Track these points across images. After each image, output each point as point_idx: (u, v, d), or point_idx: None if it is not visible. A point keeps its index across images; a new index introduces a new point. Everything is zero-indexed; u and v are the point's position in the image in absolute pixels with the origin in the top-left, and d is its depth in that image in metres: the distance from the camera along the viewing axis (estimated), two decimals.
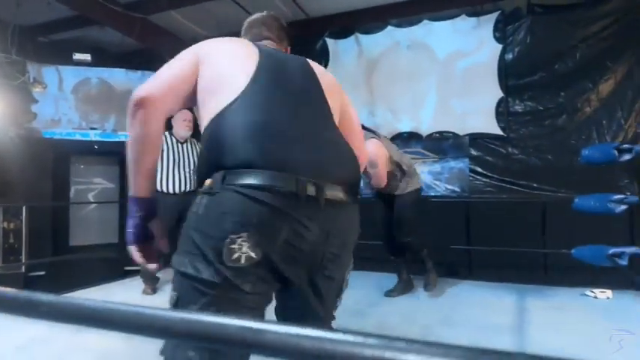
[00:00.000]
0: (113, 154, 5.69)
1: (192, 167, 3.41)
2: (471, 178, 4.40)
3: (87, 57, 4.37)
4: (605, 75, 3.93)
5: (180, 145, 3.42)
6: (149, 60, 5.55)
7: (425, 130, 4.55)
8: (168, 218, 3.21)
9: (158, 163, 3.11)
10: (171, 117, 3.49)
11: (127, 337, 2.19)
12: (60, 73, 5.26)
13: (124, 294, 3.40)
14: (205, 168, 1.07)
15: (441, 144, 4.52)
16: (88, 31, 5.07)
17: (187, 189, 3.35)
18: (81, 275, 4.92)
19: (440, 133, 4.51)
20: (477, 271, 4.05)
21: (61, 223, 5.57)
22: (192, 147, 3.50)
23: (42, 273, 5.04)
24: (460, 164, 4.43)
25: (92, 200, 5.91)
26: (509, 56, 4.27)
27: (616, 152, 2.49)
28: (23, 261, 4.84)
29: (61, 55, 5.15)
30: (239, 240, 0.94)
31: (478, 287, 3.49)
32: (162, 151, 3.33)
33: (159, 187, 3.28)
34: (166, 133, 3.45)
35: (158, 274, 3.50)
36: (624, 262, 2.50)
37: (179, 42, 5.38)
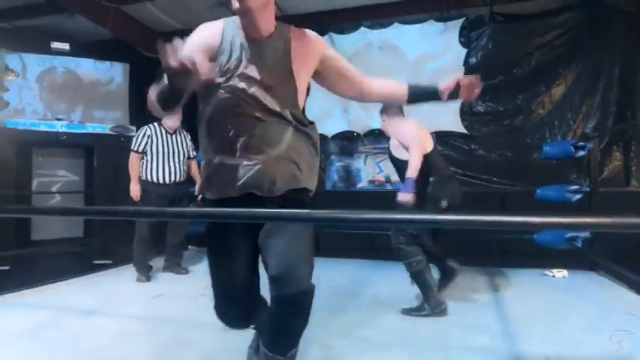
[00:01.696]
0: (79, 146, 5.56)
1: (182, 158, 3.46)
2: None
3: (65, 46, 4.28)
4: (557, 80, 4.37)
5: (169, 135, 3.47)
6: (119, 51, 5.47)
7: None
8: (161, 206, 3.26)
9: (148, 153, 3.15)
10: None
11: (142, 319, 2.28)
12: (24, 60, 5.07)
13: (116, 284, 3.40)
14: None
15: None
16: (54, 18, 4.93)
17: (178, 179, 3.41)
18: (48, 270, 4.80)
19: None
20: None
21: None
22: (181, 138, 3.55)
23: (6, 268, 4.86)
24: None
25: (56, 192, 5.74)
26: (472, 60, 4.62)
27: (573, 149, 2.84)
28: None
29: (24, 43, 4.98)
30: None
31: None
32: (152, 141, 3.36)
33: (149, 178, 3.32)
34: (155, 123, 3.48)
35: (150, 263, 3.50)
36: (579, 244, 2.86)
37: (152, 34, 5.34)
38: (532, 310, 2.03)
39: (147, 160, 3.35)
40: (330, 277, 3.18)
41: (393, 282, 3.06)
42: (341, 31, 4.99)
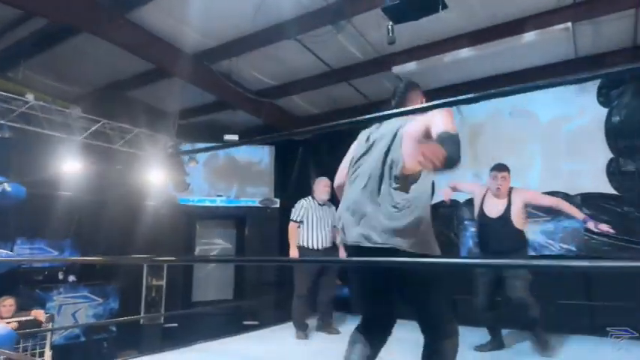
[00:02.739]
0: (232, 217, 6.41)
1: (330, 226, 3.87)
2: (586, 237, 4.43)
3: (235, 137, 5.19)
4: None
5: (320, 207, 3.92)
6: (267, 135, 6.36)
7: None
8: (315, 271, 3.64)
9: (304, 222, 3.61)
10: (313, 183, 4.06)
11: None
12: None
13: (279, 340, 3.76)
14: None
15: None
16: (218, 115, 6.02)
17: (327, 245, 3.79)
18: (205, 328, 5.46)
19: (550, 193, 4.64)
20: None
21: (187, 280, 6.23)
22: (329, 209, 3.98)
23: (175, 325, 5.63)
24: (575, 224, 4.48)
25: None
26: (616, 119, 4.42)
27: None
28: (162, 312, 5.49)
29: (194, 135, 6.10)
30: None
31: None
32: (307, 212, 3.84)
33: (305, 244, 3.75)
34: (309, 197, 3.99)
35: (307, 321, 3.84)
36: None
37: (293, 118, 6.16)
38: None
39: (303, 229, 3.80)
40: None
41: None
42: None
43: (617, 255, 4.22)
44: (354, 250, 1.83)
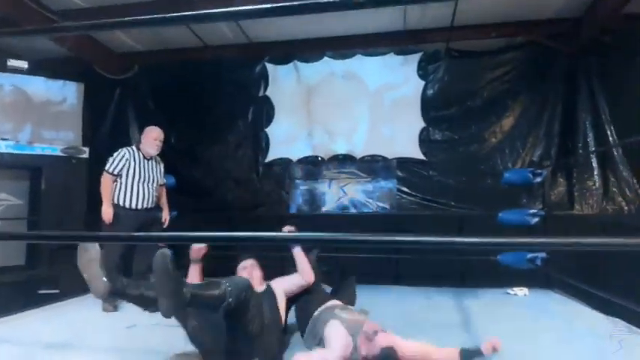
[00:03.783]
0: (23, 167, 5.21)
1: (155, 184, 3.36)
2: (397, 196, 4.90)
3: (24, 64, 4.05)
4: (507, 112, 4.74)
5: (146, 161, 3.34)
6: (74, 70, 5.26)
7: (358, 153, 4.98)
8: (133, 229, 3.12)
9: (122, 176, 3.02)
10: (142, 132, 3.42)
11: (123, 350, 2.15)
12: None
13: (81, 314, 3.15)
14: None
15: (373, 166, 4.98)
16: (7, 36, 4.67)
17: (148, 205, 3.29)
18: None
19: (371, 156, 4.97)
20: (406, 279, 4.48)
21: None
22: (156, 164, 3.44)
23: None
24: (389, 184, 4.92)
25: None
26: (430, 91, 4.91)
27: (531, 175, 3.09)
28: None
29: None
30: None
31: (418, 292, 3.86)
32: (129, 165, 3.22)
33: (121, 202, 3.18)
34: (133, 147, 3.35)
35: None
36: (539, 263, 3.08)
37: (112, 55, 5.21)
38: (501, 328, 2.15)
39: (121, 184, 3.21)
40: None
41: None
42: (305, 60, 5.13)
43: (422, 212, 4.80)
44: None
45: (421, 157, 4.87)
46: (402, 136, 4.92)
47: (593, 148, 4.43)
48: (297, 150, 5.07)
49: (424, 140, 4.88)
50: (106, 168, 3.21)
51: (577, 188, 4.49)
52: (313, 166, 5.08)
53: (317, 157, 5.05)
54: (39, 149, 5.07)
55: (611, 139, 4.49)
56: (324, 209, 5.05)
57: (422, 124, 4.87)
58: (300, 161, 5.07)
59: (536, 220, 3.10)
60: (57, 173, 5.09)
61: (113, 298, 3.10)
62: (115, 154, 3.29)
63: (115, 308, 3.12)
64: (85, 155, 5.18)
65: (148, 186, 3.28)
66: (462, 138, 4.86)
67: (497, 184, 4.72)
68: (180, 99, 5.30)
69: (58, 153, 5.11)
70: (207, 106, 5.29)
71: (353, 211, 4.99)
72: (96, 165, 4.94)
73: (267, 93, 5.16)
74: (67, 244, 4.87)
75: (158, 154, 3.48)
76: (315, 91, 5.09)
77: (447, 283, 4.00)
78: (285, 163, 5.11)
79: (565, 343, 2.14)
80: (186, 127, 5.30)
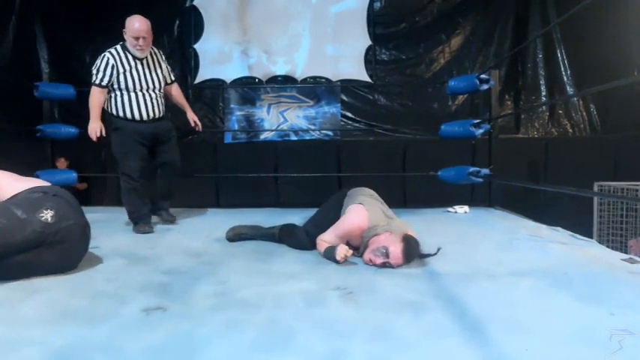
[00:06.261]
0: None
1: (158, 88, 2.58)
2: (342, 122, 4.58)
3: None
4: (457, 30, 4.43)
5: (139, 62, 2.51)
6: None
7: (300, 75, 4.55)
8: (146, 139, 2.44)
9: (114, 86, 2.29)
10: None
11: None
12: None
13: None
14: None
15: (315, 89, 4.58)
16: None
17: (155, 115, 2.55)
18: None
19: (314, 77, 4.57)
20: None
21: None
22: (154, 62, 2.57)
23: None
24: (333, 109, 4.56)
25: None
26: (377, 4, 4.48)
27: (477, 82, 2.83)
28: None
29: None
30: None
31: None
32: (117, 72, 2.40)
33: (120, 113, 2.41)
34: (118, 47, 2.51)
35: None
36: (480, 179, 2.89)
37: None
38: (440, 238, 1.94)
39: (115, 95, 2.43)
40: None
41: None
42: None
43: (367, 139, 4.51)
44: None
45: (367, 79, 4.52)
46: (346, 55, 4.52)
47: (542, 70, 4.25)
48: (231, 70, 4.56)
49: (370, 60, 4.52)
50: (93, 80, 2.43)
51: (524, 111, 4.35)
52: (250, 90, 4.61)
53: (254, 78, 4.57)
54: None
55: (560, 59, 4.32)
56: (262, 137, 4.65)
57: (368, 42, 4.48)
58: (235, 83, 4.58)
59: (480, 131, 2.88)
60: None
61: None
62: (98, 61, 2.45)
63: (152, 229, 2.45)
64: None
65: (148, 93, 2.52)
66: (409, 58, 4.53)
67: (445, 107, 4.51)
68: (96, 11, 4.57)
69: None
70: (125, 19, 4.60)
71: (294, 138, 4.63)
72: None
73: (195, 2, 4.53)
74: None
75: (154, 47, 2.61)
76: (250, 1, 4.51)
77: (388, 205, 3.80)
78: (217, 85, 4.59)
79: (506, 246, 1.96)
80: (103, 44, 4.60)
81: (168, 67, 2.73)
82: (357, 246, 1.83)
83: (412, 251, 1.66)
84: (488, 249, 1.96)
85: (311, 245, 1.97)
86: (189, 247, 2.09)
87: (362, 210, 1.82)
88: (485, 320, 1.14)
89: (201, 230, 2.47)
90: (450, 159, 3.39)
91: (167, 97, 2.73)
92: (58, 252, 1.55)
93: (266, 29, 4.52)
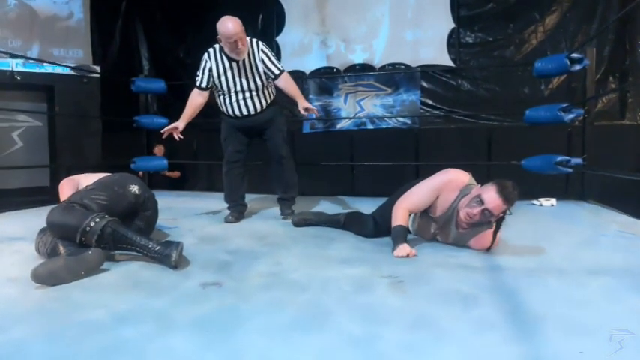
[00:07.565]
0: (35, 87, 5.12)
1: (258, 89, 2.53)
2: (422, 110, 4.43)
3: None
4: (552, 6, 4.02)
5: (234, 64, 2.48)
6: None
7: (378, 62, 4.48)
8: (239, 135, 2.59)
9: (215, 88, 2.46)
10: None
11: None
12: None
13: None
14: None
15: (394, 76, 4.48)
16: None
17: (253, 112, 2.58)
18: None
19: (392, 64, 4.46)
20: None
21: None
22: (252, 62, 2.47)
23: None
24: (412, 96, 4.43)
25: (18, 141, 5.34)
26: None
27: (568, 62, 2.53)
28: None
29: None
30: None
31: None
32: (213, 75, 2.40)
33: (222, 109, 2.61)
34: (216, 47, 2.52)
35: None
36: (569, 170, 2.62)
37: None
38: (521, 233, 1.81)
39: (217, 95, 2.51)
40: None
41: None
42: None
43: (448, 127, 4.32)
44: None
45: (449, 63, 4.31)
46: (427, 40, 4.35)
47: None
48: (311, 61, 4.64)
49: (453, 44, 4.29)
50: (195, 80, 2.60)
51: (631, 94, 3.83)
52: (328, 80, 4.65)
53: (332, 68, 4.60)
54: (50, 67, 4.94)
55: None
56: (338, 126, 4.67)
57: (451, 24, 4.26)
58: (314, 73, 4.64)
59: (571, 117, 2.58)
60: (69, 93, 4.96)
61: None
62: (200, 63, 2.57)
63: (237, 219, 2.55)
64: (97, 74, 5.01)
65: (242, 93, 2.51)
66: (497, 40, 4.22)
67: (537, 92, 4.14)
68: (188, 11, 4.94)
69: (70, 72, 4.96)
70: (215, 17, 4.90)
71: (370, 127, 4.59)
72: (107, 84, 4.78)
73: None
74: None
75: (254, 41, 2.51)
76: None
77: None
78: (297, 76, 4.69)
79: (587, 243, 1.77)
80: (194, 41, 4.96)
81: (272, 59, 2.54)
82: (436, 216, 1.76)
83: (508, 190, 1.54)
84: (566, 244, 1.78)
85: (376, 233, 1.95)
86: (257, 230, 2.20)
87: (453, 170, 1.79)
88: (540, 318, 1.05)
89: (272, 215, 2.58)
90: (541, 147, 3.11)
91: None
92: (144, 219, 1.87)
93: (345, 17, 4.51)
